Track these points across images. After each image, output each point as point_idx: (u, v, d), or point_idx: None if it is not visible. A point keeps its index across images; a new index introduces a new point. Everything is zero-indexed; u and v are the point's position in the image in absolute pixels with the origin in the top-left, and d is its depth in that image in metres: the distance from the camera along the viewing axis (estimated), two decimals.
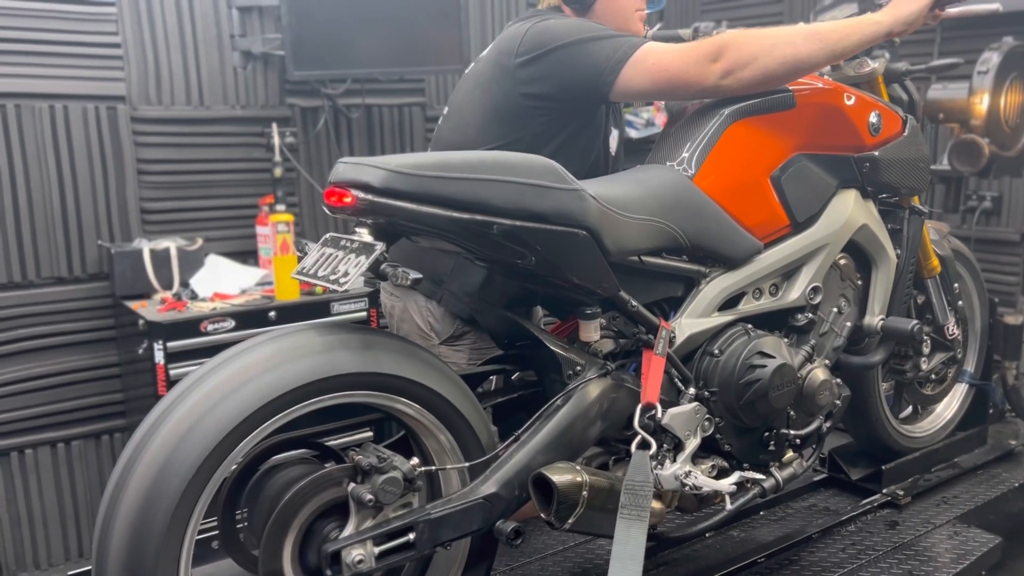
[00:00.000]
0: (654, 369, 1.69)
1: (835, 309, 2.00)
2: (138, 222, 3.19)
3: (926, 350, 2.35)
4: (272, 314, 2.93)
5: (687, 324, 1.80)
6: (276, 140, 3.10)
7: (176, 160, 3.23)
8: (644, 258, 1.72)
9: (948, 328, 2.38)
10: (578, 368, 1.67)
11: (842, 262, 2.01)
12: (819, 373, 1.91)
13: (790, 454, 1.97)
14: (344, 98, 3.49)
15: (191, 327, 2.80)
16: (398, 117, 3.71)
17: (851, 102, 1.92)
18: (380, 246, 1.44)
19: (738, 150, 1.83)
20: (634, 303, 1.70)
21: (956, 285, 2.44)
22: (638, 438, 1.63)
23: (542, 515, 1.52)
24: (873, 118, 1.95)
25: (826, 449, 2.55)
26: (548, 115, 1.87)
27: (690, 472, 1.74)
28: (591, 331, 1.69)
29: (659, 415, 1.66)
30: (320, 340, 1.46)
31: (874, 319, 2.06)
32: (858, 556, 2.14)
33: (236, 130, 3.32)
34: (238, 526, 1.56)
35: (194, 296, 3.03)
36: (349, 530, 1.43)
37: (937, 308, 2.35)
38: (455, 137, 1.94)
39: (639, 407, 1.66)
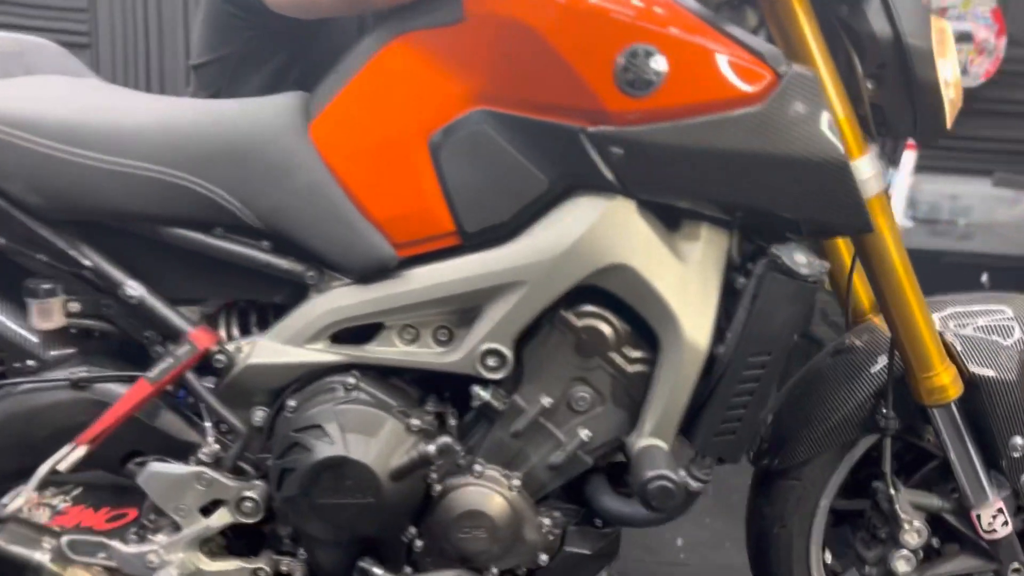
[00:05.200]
0: (127, 399, 1.13)
1: (548, 400, 1.12)
2: None
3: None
4: None
5: (264, 349, 1.15)
6: None
7: None
8: (168, 229, 1.13)
9: (985, 518, 1.21)
10: (31, 364, 1.18)
11: (589, 323, 1.10)
12: (473, 495, 1.11)
13: None
14: None
15: None
16: None
17: (572, 17, 0.98)
18: None
19: (387, 84, 1.08)
20: (133, 291, 1.13)
21: None
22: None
23: None
24: (634, 58, 0.98)
25: None
26: (252, 31, 1.43)
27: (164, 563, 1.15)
28: (45, 316, 1.16)
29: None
30: None
31: (640, 440, 1.11)
32: None
33: None
34: None
35: None
36: None
37: (962, 476, 1.21)
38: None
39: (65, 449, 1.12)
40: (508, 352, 1.09)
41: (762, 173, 1.00)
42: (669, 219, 1.08)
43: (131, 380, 1.16)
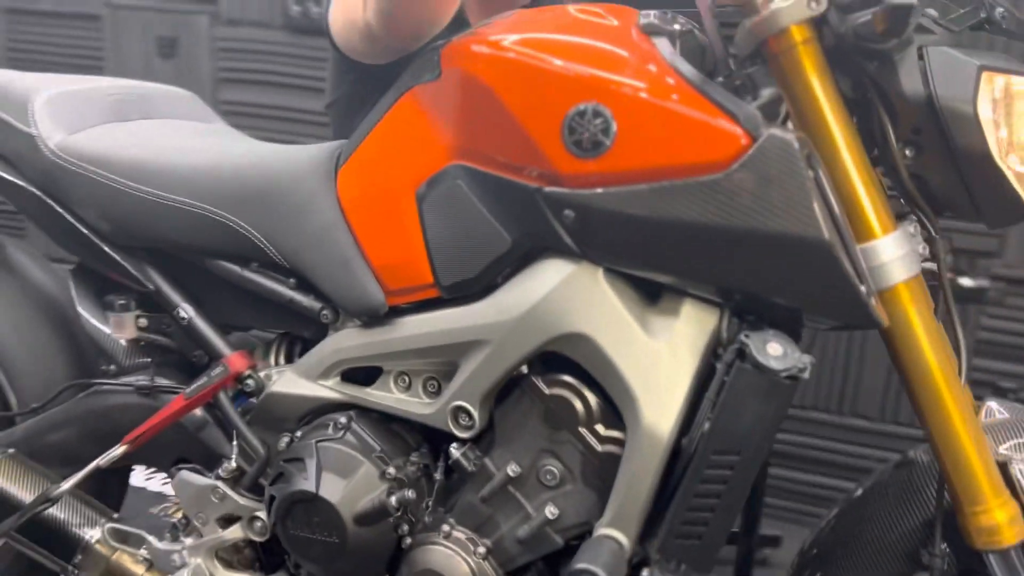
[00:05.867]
0: (164, 410, 1.25)
1: (516, 468, 1.05)
2: None
3: None
4: None
5: (285, 380, 1.23)
6: None
7: None
8: (212, 261, 1.25)
9: None
10: (112, 368, 1.35)
11: (558, 393, 1.03)
12: (435, 554, 1.09)
13: None
14: None
15: None
16: None
17: (521, 73, 0.94)
18: None
19: (396, 135, 1.11)
20: (185, 313, 1.27)
21: None
22: None
23: None
24: (581, 117, 0.90)
25: None
26: (354, 74, 1.51)
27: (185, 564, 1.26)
28: (119, 327, 1.32)
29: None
30: None
31: (599, 528, 1.00)
32: None
33: None
34: None
35: None
36: None
37: None
38: None
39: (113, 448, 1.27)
40: (475, 411, 1.05)
41: (729, 249, 0.88)
42: (651, 292, 0.99)
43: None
